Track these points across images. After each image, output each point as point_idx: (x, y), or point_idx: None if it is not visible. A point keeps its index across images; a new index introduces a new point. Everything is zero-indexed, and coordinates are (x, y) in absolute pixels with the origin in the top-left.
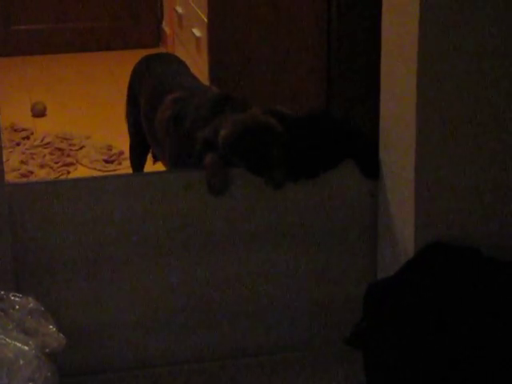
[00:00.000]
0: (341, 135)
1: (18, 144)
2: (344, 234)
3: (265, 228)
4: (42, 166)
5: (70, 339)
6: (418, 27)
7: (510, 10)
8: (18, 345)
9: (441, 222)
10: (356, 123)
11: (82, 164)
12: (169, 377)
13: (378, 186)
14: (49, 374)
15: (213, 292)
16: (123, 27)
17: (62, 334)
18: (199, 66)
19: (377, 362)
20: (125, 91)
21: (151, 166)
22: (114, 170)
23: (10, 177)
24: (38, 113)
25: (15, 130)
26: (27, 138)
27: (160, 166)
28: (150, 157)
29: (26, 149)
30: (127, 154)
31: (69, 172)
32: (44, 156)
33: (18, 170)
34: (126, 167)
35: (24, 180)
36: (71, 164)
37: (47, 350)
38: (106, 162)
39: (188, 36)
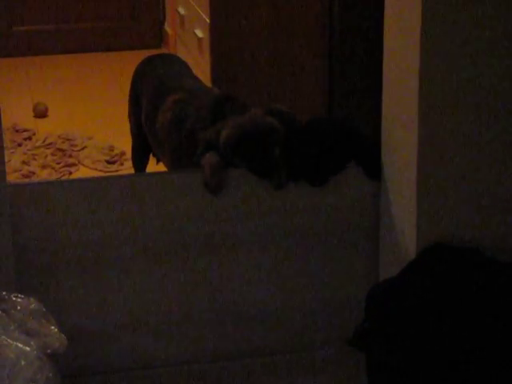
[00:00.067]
0: (342, 136)
1: (19, 145)
2: (346, 234)
3: (266, 229)
4: (43, 167)
5: (71, 340)
6: (420, 27)
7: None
8: (20, 345)
9: (443, 222)
10: (358, 124)
11: (83, 165)
12: (169, 378)
13: (379, 187)
14: (50, 374)
15: (214, 293)
16: (125, 28)
17: (63, 335)
18: (201, 67)
19: (379, 363)
20: (127, 92)
21: (154, 166)
22: (116, 171)
23: (12, 177)
24: (40, 113)
25: (17, 131)
26: (29, 138)
27: (163, 166)
28: (153, 157)
29: (28, 149)
30: (129, 154)
31: (71, 173)
32: (46, 157)
33: (20, 170)
34: (127, 168)
35: (26, 181)
36: (73, 165)
37: (49, 351)
38: (108, 162)
39: (190, 37)
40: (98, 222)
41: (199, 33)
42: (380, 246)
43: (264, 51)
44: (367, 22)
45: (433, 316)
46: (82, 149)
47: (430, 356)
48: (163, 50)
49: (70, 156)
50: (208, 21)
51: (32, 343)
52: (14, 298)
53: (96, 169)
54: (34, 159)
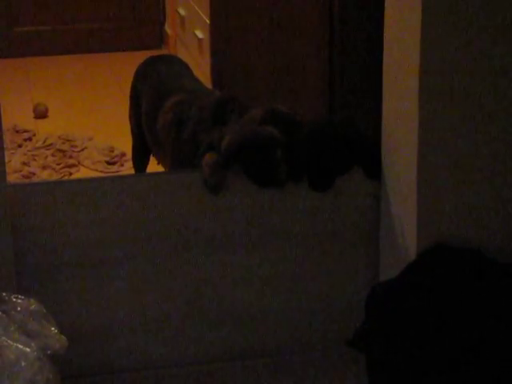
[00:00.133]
0: (344, 141)
1: (20, 145)
2: (346, 235)
3: (266, 229)
4: (43, 168)
5: (71, 341)
6: (420, 28)
7: None
8: (20, 346)
9: (443, 223)
10: (358, 124)
11: (84, 165)
12: (170, 378)
13: (379, 187)
14: (50, 375)
15: (214, 293)
16: (126, 29)
17: (63, 336)
18: (201, 68)
19: (379, 363)
20: (127, 93)
21: (155, 166)
22: (116, 172)
23: (12, 178)
24: (40, 114)
25: (17, 132)
26: (29, 139)
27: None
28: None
29: (28, 150)
30: (129, 155)
31: (71, 173)
32: (46, 157)
33: (20, 171)
34: (128, 168)
35: (26, 181)
36: (73, 165)
37: (49, 352)
38: (108, 163)
39: (190, 37)
40: (98, 222)
41: (199, 33)
42: (380, 246)
43: (264, 51)
44: (367, 22)
45: (433, 317)
46: (83, 150)
47: (430, 357)
48: (163, 51)
49: (71, 157)
50: (208, 21)
51: (32, 344)
52: (14, 299)
53: (96, 170)
54: (35, 160)
